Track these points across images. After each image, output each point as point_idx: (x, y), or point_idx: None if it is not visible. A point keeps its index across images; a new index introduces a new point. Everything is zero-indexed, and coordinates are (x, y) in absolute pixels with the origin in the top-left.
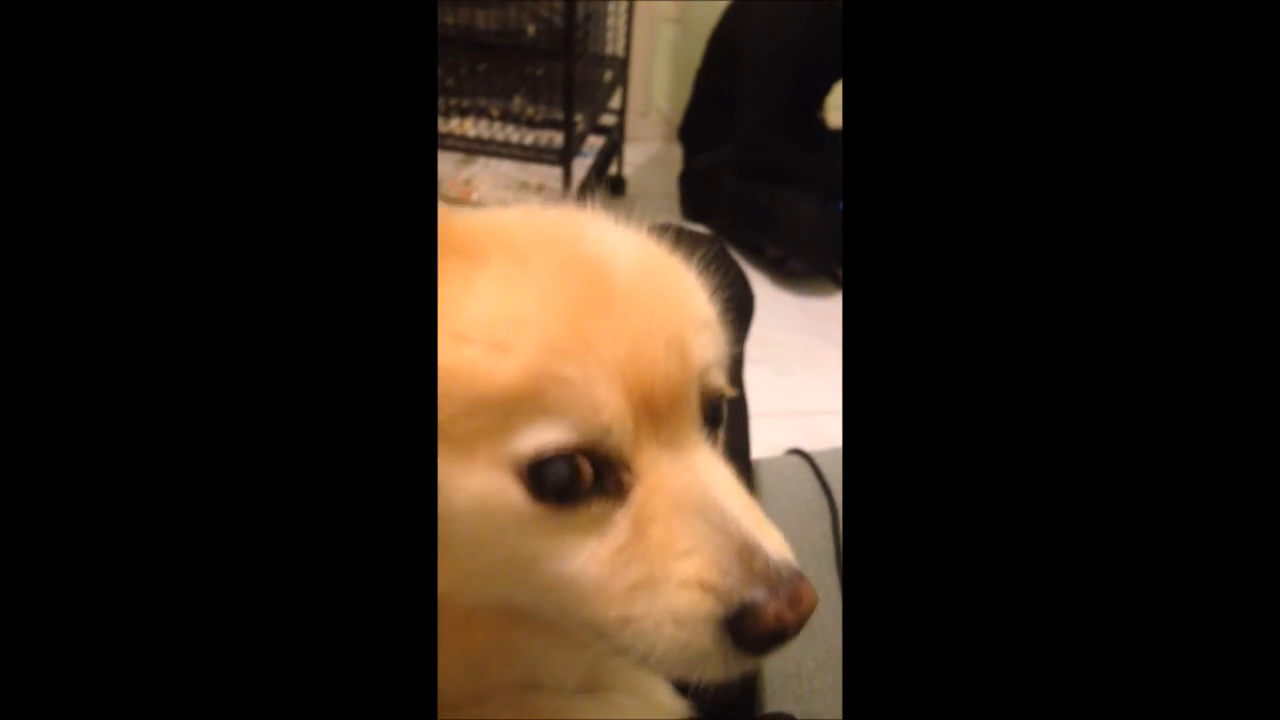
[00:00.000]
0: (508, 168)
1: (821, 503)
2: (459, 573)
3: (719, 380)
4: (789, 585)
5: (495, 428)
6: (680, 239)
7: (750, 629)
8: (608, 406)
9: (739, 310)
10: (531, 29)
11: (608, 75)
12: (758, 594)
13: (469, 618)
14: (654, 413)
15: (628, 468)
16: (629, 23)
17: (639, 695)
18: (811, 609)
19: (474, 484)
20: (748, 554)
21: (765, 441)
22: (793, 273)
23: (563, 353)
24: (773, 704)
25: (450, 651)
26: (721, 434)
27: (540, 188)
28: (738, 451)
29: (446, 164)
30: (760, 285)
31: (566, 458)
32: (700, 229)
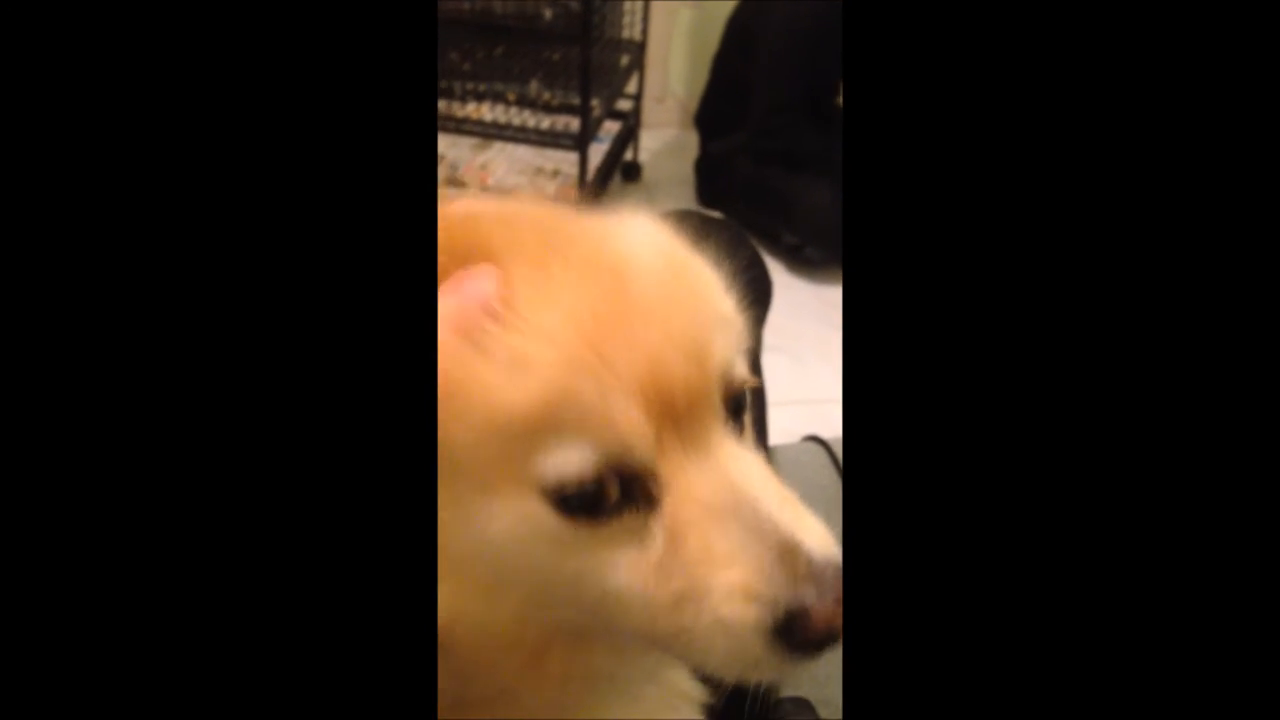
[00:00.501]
0: (523, 153)
1: (838, 489)
2: (517, 603)
3: (741, 373)
4: (834, 584)
5: (518, 450)
6: (696, 225)
7: (801, 632)
8: (626, 422)
9: (757, 297)
10: (548, 13)
11: (624, 60)
12: (805, 597)
13: (543, 646)
14: (676, 419)
15: (654, 478)
16: (646, 7)
17: (659, 682)
18: None
19: (503, 510)
20: (789, 555)
21: (781, 429)
22: (808, 260)
23: (580, 369)
24: (788, 688)
25: (532, 682)
26: (747, 420)
27: (556, 173)
28: (756, 439)
29: (462, 149)
30: (776, 273)
31: (591, 476)
32: (716, 215)
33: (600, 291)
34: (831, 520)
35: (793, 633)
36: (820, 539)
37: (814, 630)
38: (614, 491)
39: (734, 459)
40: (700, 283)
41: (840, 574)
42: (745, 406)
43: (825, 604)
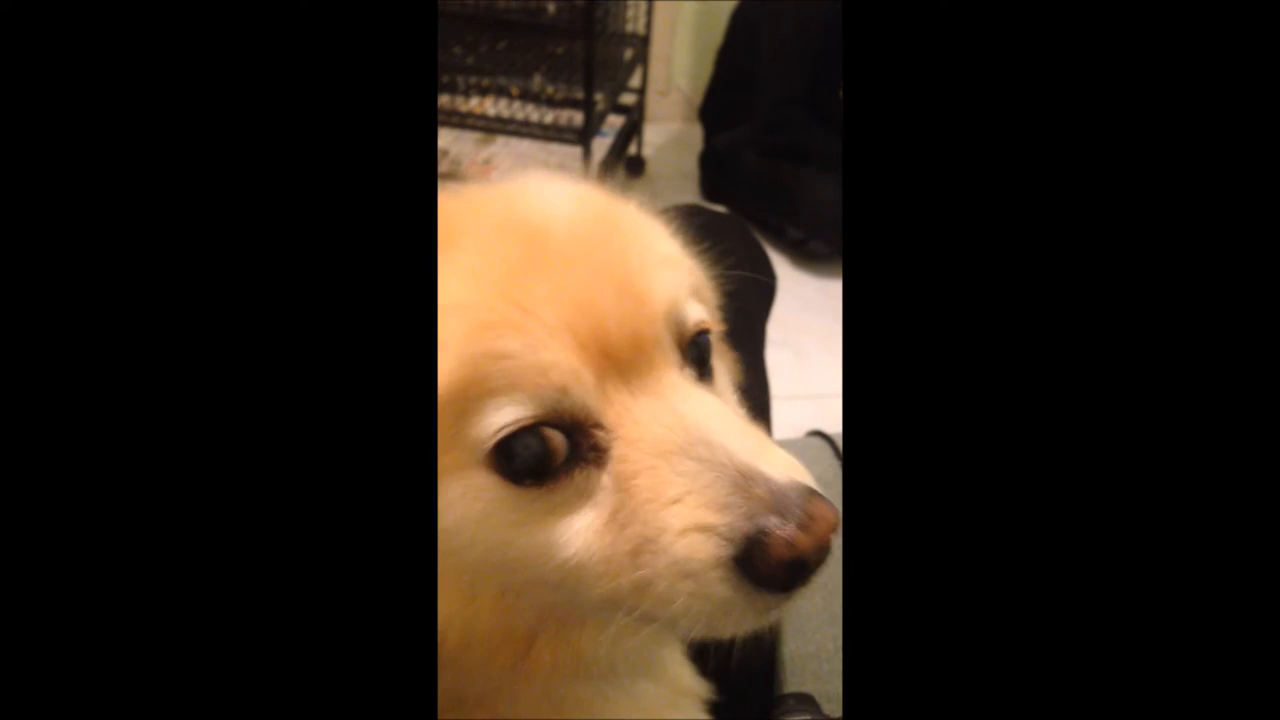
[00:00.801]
0: (527, 147)
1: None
2: (494, 595)
3: (695, 314)
4: (799, 506)
5: (453, 428)
6: (700, 219)
7: (763, 563)
8: (557, 368)
9: (761, 291)
10: (552, 7)
11: (628, 54)
12: (764, 522)
13: (529, 638)
14: (618, 363)
15: (599, 426)
16: (650, 0)
17: (659, 679)
18: (831, 529)
19: (454, 491)
20: (745, 482)
21: (785, 424)
22: (813, 254)
23: (497, 325)
24: (792, 684)
25: (523, 675)
26: (718, 367)
27: (560, 168)
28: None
29: (466, 143)
30: (780, 267)
31: (530, 431)
32: (721, 209)
33: (515, 247)
34: None
35: (755, 563)
36: (785, 466)
37: (777, 556)
38: (560, 448)
39: (687, 399)
40: (631, 226)
41: (808, 496)
42: (708, 352)
43: (787, 527)
